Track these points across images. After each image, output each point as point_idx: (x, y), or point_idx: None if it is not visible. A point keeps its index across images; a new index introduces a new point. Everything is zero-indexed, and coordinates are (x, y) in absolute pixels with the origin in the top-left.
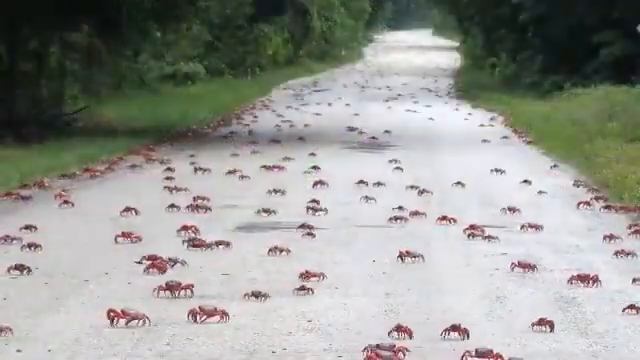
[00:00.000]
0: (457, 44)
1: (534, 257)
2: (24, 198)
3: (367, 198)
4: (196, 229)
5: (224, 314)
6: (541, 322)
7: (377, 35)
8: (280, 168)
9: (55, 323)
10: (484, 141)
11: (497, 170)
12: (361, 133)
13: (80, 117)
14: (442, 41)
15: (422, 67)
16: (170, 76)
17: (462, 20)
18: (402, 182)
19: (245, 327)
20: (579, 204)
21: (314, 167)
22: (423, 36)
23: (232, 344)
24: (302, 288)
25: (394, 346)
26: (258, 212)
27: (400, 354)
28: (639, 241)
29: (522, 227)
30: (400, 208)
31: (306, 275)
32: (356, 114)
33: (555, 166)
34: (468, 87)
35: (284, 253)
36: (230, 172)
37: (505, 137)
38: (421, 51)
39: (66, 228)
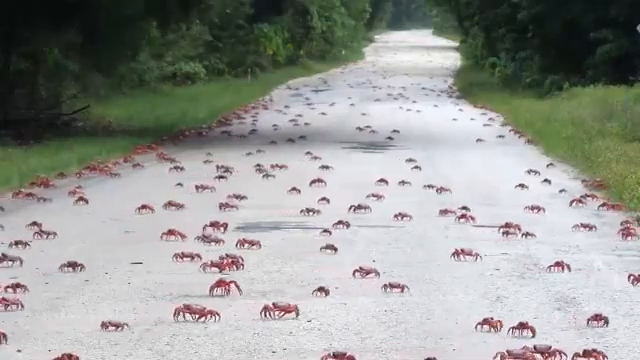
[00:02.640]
0: (457, 44)
1: (534, 257)
2: (28, 196)
3: (376, 197)
4: (217, 226)
5: (297, 311)
6: (597, 318)
7: (377, 35)
8: (283, 166)
9: (55, 323)
10: (479, 140)
11: (532, 171)
12: (372, 132)
13: (79, 117)
14: (443, 41)
15: (424, 67)
16: (170, 76)
17: (462, 20)
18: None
19: (245, 327)
20: (573, 202)
21: (325, 166)
22: (423, 36)
23: (232, 344)
24: (391, 285)
25: (550, 347)
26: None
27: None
28: (634, 240)
29: (574, 227)
30: (464, 208)
31: (361, 271)
32: (364, 114)
33: (551, 165)
34: (469, 87)
35: (332, 251)
36: (239, 170)
37: (504, 137)
38: (424, 51)
39: (68, 227)
